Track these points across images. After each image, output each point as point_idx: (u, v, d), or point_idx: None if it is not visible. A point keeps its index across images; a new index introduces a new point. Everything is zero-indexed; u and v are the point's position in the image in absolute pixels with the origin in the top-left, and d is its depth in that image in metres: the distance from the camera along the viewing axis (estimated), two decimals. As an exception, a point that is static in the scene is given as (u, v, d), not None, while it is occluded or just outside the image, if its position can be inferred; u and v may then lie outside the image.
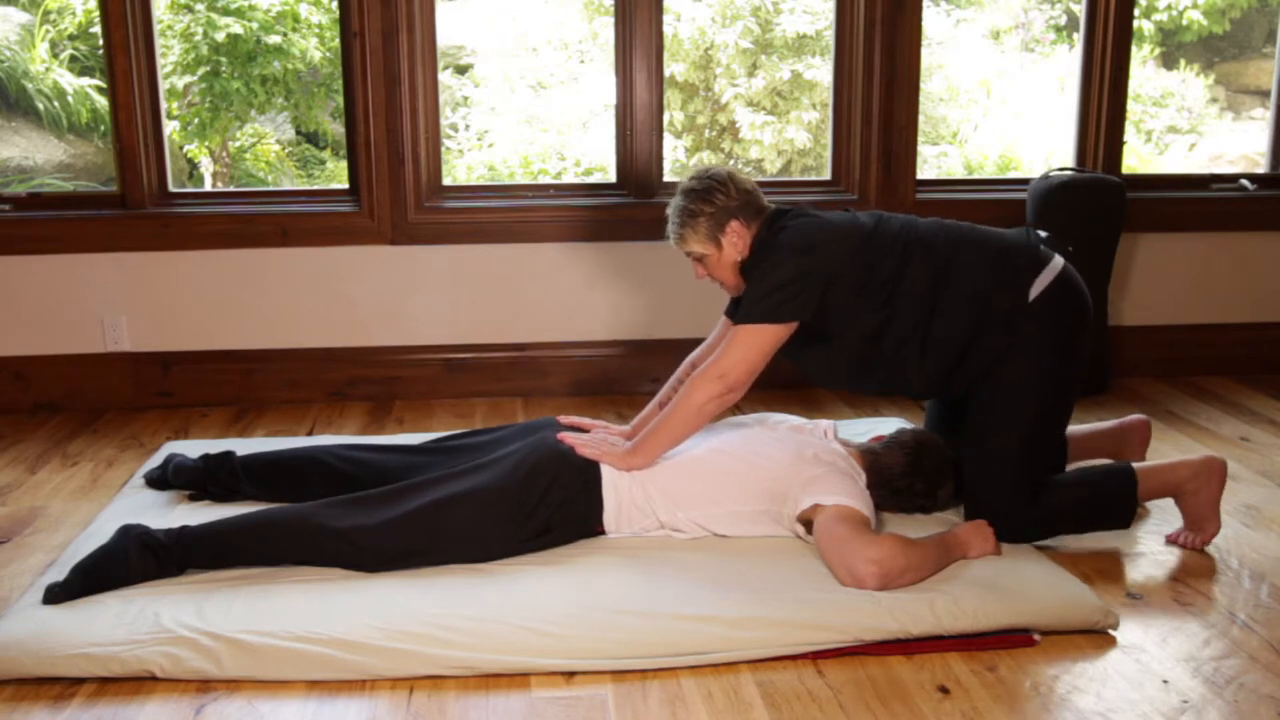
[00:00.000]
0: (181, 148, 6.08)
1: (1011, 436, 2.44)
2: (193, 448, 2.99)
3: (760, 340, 2.40)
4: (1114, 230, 3.66)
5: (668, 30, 6.07)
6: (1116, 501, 2.52)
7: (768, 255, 2.43)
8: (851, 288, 2.42)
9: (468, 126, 6.67)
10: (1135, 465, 2.54)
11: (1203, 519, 2.54)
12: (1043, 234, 2.54)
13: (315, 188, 5.81)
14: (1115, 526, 2.57)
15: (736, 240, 2.48)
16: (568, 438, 2.48)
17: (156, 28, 3.64)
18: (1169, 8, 6.72)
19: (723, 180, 2.50)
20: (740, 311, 2.45)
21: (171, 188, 3.72)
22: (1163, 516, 2.71)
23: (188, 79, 5.88)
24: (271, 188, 6.07)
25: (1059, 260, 2.48)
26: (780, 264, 2.40)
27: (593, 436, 2.52)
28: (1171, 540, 2.57)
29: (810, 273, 2.39)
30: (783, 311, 2.39)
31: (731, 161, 6.50)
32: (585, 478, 2.42)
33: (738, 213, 2.48)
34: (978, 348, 2.43)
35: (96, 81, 5.96)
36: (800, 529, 2.41)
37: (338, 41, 4.56)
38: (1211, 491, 2.53)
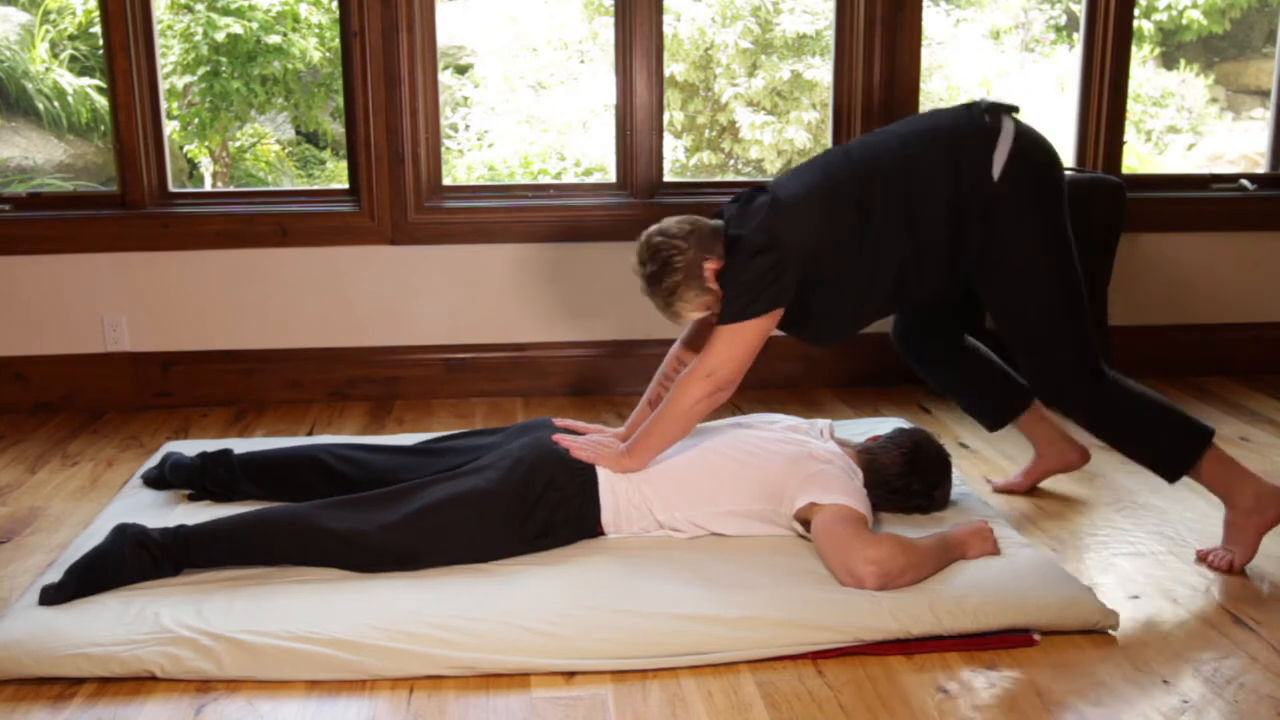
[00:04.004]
0: (181, 148, 6.09)
1: (1033, 304, 2.40)
2: (192, 448, 2.98)
3: (743, 337, 2.37)
4: (1114, 230, 3.66)
5: (668, 30, 6.07)
6: (1182, 445, 2.44)
7: (735, 257, 2.38)
8: (829, 254, 2.38)
9: (468, 126, 6.68)
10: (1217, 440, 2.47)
11: (1242, 541, 2.45)
12: (984, 102, 2.47)
13: (315, 188, 5.82)
14: (1162, 469, 2.49)
15: (716, 271, 2.41)
16: (563, 439, 2.48)
17: (156, 28, 3.64)
18: (1169, 8, 6.72)
19: (666, 245, 2.39)
20: (720, 312, 2.40)
21: (171, 188, 3.72)
22: (1163, 517, 2.71)
23: (188, 79, 5.88)
24: (271, 188, 6.07)
25: (1009, 124, 2.40)
26: (747, 264, 2.35)
27: (588, 439, 2.52)
28: (1202, 557, 2.49)
29: (779, 263, 2.34)
30: (759, 306, 2.35)
31: (731, 162, 6.51)
32: (582, 480, 2.42)
33: (701, 254, 2.39)
34: (965, 239, 2.38)
35: (96, 81, 5.96)
36: (799, 527, 2.41)
37: (338, 41, 4.56)
38: (1265, 519, 2.44)
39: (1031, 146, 2.40)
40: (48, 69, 5.96)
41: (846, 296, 2.44)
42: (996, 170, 2.35)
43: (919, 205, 2.38)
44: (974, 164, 2.36)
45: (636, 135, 3.78)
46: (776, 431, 2.58)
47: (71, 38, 6.02)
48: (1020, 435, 2.88)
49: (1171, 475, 2.49)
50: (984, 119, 2.41)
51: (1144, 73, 6.87)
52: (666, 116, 5.10)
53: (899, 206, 2.38)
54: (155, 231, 3.63)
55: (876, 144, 2.47)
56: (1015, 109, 2.45)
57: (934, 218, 2.38)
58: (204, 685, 1.98)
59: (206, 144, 6.16)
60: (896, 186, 2.38)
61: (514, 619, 2.09)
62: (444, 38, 4.15)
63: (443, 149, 3.79)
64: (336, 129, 6.46)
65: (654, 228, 2.46)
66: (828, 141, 3.95)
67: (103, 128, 5.99)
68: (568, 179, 6.38)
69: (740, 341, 2.37)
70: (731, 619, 2.10)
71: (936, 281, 2.46)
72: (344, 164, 5.17)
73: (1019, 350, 2.49)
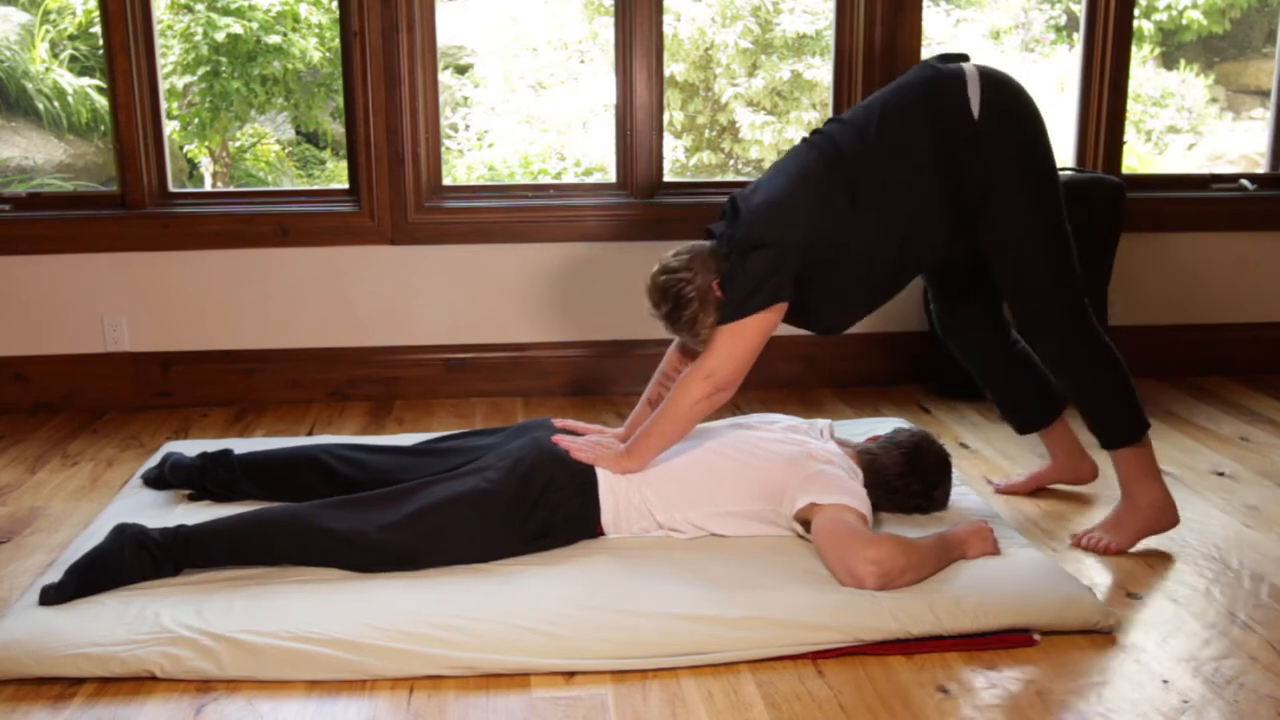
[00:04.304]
0: (181, 148, 6.09)
1: (1026, 234, 2.40)
2: (192, 448, 2.99)
3: (742, 336, 2.37)
4: (1114, 230, 3.66)
5: (668, 30, 6.07)
6: (1131, 421, 2.49)
7: (732, 260, 2.39)
8: (827, 240, 2.37)
9: (468, 126, 6.68)
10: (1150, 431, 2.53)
11: (1123, 533, 2.52)
12: (934, 57, 2.48)
13: (315, 188, 5.82)
14: (1105, 434, 2.53)
15: (719, 283, 2.43)
16: (562, 440, 2.48)
17: (156, 28, 3.64)
18: (1169, 8, 6.72)
19: (673, 280, 2.42)
20: (720, 312, 2.41)
21: (171, 188, 3.72)
22: (1163, 516, 2.71)
23: (188, 79, 5.88)
24: (271, 188, 6.07)
25: (969, 67, 2.41)
26: (743, 263, 2.36)
27: (587, 439, 2.52)
28: (1076, 541, 2.56)
29: (775, 259, 2.34)
30: (756, 302, 2.35)
31: (731, 162, 6.51)
32: (582, 481, 2.42)
33: (707, 276, 2.41)
34: (958, 184, 2.38)
35: (96, 81, 5.96)
36: (799, 527, 2.41)
37: (338, 41, 4.56)
38: (1152, 525, 2.52)
39: (998, 85, 2.41)
40: (48, 69, 5.96)
41: (848, 279, 2.44)
42: (975, 109, 2.36)
43: (908, 166, 2.37)
44: (952, 109, 2.37)
45: (636, 135, 3.78)
46: (776, 432, 2.58)
47: (71, 38, 6.02)
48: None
49: (1113, 442, 2.52)
50: (944, 69, 2.42)
51: (1144, 73, 6.87)
52: (666, 116, 5.10)
53: (888, 173, 2.38)
54: (155, 231, 3.63)
55: (851, 121, 2.46)
56: (966, 57, 2.47)
57: (924, 171, 2.37)
58: (204, 685, 1.98)
59: (206, 144, 6.17)
60: (882, 154, 2.38)
61: (514, 619, 2.09)
62: (444, 38, 4.15)
63: (443, 149, 3.79)
64: (336, 129, 6.46)
65: (655, 269, 2.48)
66: (828, 141, 3.95)
67: (103, 128, 6.00)
68: (568, 179, 6.38)
69: (739, 341, 2.37)
70: (731, 619, 2.10)
71: (935, 245, 2.45)
72: (344, 164, 5.17)
73: (1010, 286, 2.47)
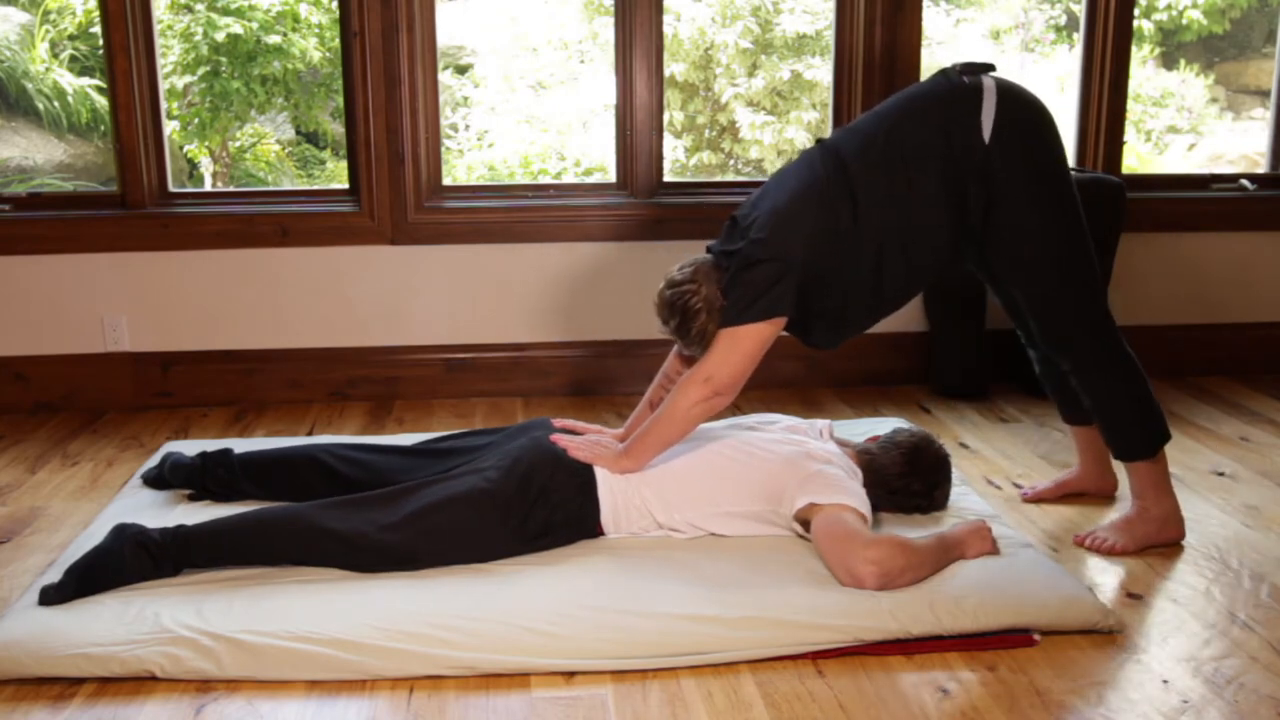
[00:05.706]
0: (181, 148, 6.09)
1: (1042, 257, 2.40)
2: (192, 448, 2.98)
3: (739, 343, 2.36)
4: (1114, 230, 3.66)
5: (668, 30, 6.07)
6: (1149, 433, 2.51)
7: (733, 270, 2.39)
8: (827, 253, 2.36)
9: (468, 126, 6.68)
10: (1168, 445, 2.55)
11: (1130, 537, 2.52)
12: (958, 65, 2.44)
13: (315, 188, 5.83)
14: (1116, 444, 2.54)
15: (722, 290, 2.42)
16: (560, 439, 2.48)
17: (156, 28, 3.64)
18: (1169, 8, 6.73)
19: (680, 294, 2.41)
20: (721, 316, 2.40)
21: (171, 188, 3.72)
22: (1163, 516, 2.71)
23: (188, 79, 5.89)
24: (271, 188, 6.07)
25: (988, 82, 2.38)
26: (742, 274, 2.35)
27: (585, 439, 2.52)
28: (1079, 541, 2.56)
29: (775, 271, 2.33)
30: (754, 312, 2.34)
31: (731, 162, 6.51)
32: (581, 480, 2.42)
33: (713, 288, 2.40)
34: (966, 205, 2.36)
35: (96, 81, 5.96)
36: (798, 527, 2.41)
37: (338, 41, 4.56)
38: (1159, 536, 2.53)
39: (1016, 103, 2.38)
40: (48, 69, 5.96)
41: (851, 292, 2.42)
42: (986, 131, 2.33)
43: (914, 181, 2.35)
44: (962, 128, 2.34)
45: (636, 135, 3.78)
46: (775, 432, 2.59)
47: (71, 38, 6.02)
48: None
49: (1127, 455, 2.54)
50: (962, 81, 2.39)
51: (1144, 73, 6.87)
52: (666, 116, 5.10)
53: (893, 186, 2.36)
54: (155, 231, 3.63)
55: (860, 129, 2.44)
56: (991, 67, 2.43)
57: (930, 186, 2.35)
58: (204, 685, 1.98)
59: (206, 144, 6.17)
60: (888, 166, 2.36)
61: (514, 619, 2.09)
62: (444, 38, 4.15)
63: (443, 149, 3.79)
64: (336, 129, 6.46)
65: (662, 285, 2.47)
66: (828, 141, 3.94)
67: (103, 128, 6.00)
68: (568, 179, 6.38)
69: (735, 347, 2.36)
70: (731, 619, 2.10)
71: (941, 259, 2.44)
72: (344, 164, 5.17)
73: (1030, 306, 2.47)
